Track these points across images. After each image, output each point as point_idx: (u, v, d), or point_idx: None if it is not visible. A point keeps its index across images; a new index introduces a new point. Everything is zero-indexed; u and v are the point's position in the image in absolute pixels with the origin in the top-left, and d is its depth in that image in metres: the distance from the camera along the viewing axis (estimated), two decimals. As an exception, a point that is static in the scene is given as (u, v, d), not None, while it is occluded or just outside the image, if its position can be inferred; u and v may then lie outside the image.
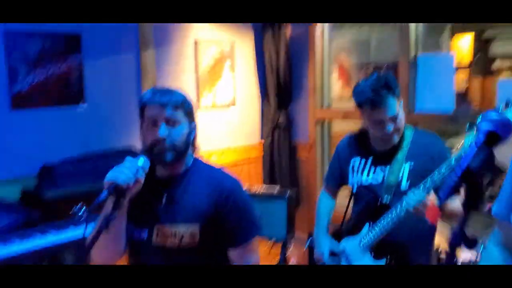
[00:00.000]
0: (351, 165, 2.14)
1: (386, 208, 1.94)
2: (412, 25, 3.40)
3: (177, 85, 3.66)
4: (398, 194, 1.96)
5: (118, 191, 1.37)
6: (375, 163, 2.06)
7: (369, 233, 2.00)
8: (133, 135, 3.46)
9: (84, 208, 2.70)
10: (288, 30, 4.07)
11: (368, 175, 2.06)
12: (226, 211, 1.56)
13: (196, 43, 3.76)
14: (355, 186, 2.12)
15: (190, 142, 1.59)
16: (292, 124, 4.23)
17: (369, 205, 2.04)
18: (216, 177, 1.62)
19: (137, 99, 3.41)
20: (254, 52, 4.21)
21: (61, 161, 3.02)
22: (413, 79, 3.42)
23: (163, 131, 1.49)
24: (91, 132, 3.27)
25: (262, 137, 4.29)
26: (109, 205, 1.41)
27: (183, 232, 1.54)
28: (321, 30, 4.02)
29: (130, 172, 1.40)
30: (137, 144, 3.42)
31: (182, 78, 3.72)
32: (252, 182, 4.19)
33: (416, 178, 1.93)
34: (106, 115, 3.33)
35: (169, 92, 1.56)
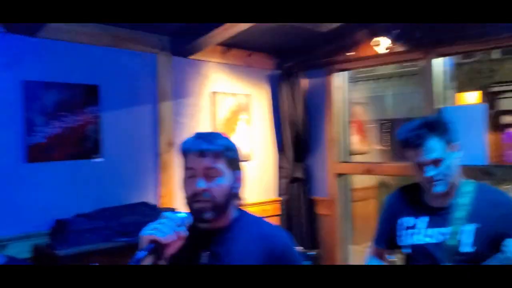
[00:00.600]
0: (403, 224, 1.92)
1: None
2: (435, 78, 3.36)
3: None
4: (460, 257, 1.76)
5: (157, 248, 1.23)
6: (431, 222, 1.85)
7: None
8: (149, 190, 3.33)
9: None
10: (305, 81, 4.04)
11: (424, 235, 1.85)
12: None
13: (213, 94, 3.71)
14: (409, 249, 1.90)
15: (233, 194, 1.45)
16: (311, 179, 4.10)
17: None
18: (267, 233, 1.44)
19: (153, 152, 3.32)
20: (271, 104, 4.16)
21: (75, 217, 2.87)
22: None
23: (201, 184, 1.36)
24: (106, 186, 3.13)
25: (279, 193, 4.15)
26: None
27: None
28: (339, 82, 3.99)
29: (170, 227, 1.27)
30: (152, 199, 3.30)
31: (198, 128, 3.64)
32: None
33: (485, 240, 1.74)
34: (122, 169, 3.21)
35: (210, 138, 1.43)
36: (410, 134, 1.79)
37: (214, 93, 3.72)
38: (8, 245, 2.63)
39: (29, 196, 2.80)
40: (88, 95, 3.06)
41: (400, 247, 1.95)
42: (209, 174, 1.37)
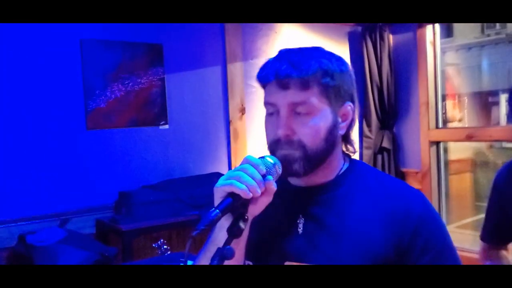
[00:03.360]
0: None
1: None
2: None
3: (268, 103, 3.18)
4: None
5: (236, 205, 0.84)
6: None
7: None
8: (220, 160, 2.98)
9: (165, 245, 2.20)
10: (390, 37, 3.51)
11: None
12: (416, 253, 0.92)
13: (287, 55, 3.29)
14: None
15: (336, 138, 1.00)
16: (400, 149, 3.59)
17: None
18: (395, 195, 0.98)
19: (223, 119, 2.96)
20: (349, 61, 3.66)
21: (140, 189, 2.58)
22: None
23: (284, 127, 0.94)
24: (173, 156, 2.82)
25: (362, 165, 3.67)
26: (219, 232, 0.89)
27: None
28: (432, 38, 3.43)
29: (254, 175, 0.86)
30: (223, 171, 2.95)
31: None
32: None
33: None
34: (189, 137, 2.89)
35: (298, 57, 0.95)
36: None
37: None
38: (70, 220, 2.38)
39: (90, 167, 2.54)
40: (151, 55, 2.75)
41: None
42: (297, 112, 0.94)
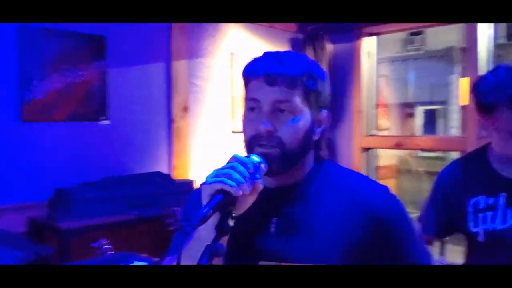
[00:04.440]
0: (471, 206, 1.50)
1: None
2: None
3: (210, 101, 3.18)
4: None
5: (225, 203, 0.85)
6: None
7: None
8: (160, 160, 2.93)
9: (106, 245, 2.13)
10: (330, 47, 3.65)
11: (504, 217, 1.45)
12: (381, 244, 0.97)
13: (231, 55, 3.31)
14: (481, 235, 1.48)
15: (311, 141, 1.02)
16: (333, 154, 3.74)
17: None
18: (361, 190, 1.01)
19: (165, 117, 2.92)
20: (292, 71, 3.76)
21: (78, 186, 2.47)
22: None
23: (266, 123, 0.96)
24: (112, 154, 2.73)
25: (298, 168, 3.78)
26: (202, 230, 0.87)
27: None
28: (368, 50, 3.61)
29: (243, 173, 0.88)
30: (166, 169, 2.91)
31: (216, 94, 3.24)
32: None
33: None
34: (130, 134, 2.81)
35: (285, 58, 0.98)
36: None
37: (233, 54, 3.32)
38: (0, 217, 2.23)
39: (23, 161, 2.39)
40: (94, 47, 2.64)
41: (468, 234, 1.52)
42: (280, 110, 0.97)
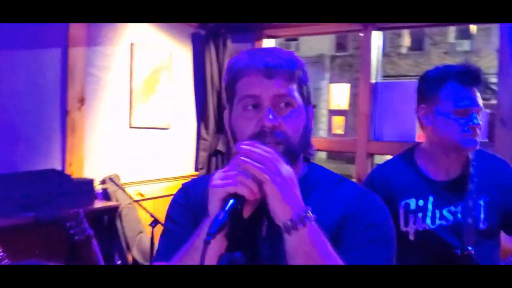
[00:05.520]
0: (402, 207, 1.57)
1: (469, 260, 1.46)
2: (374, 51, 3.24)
3: (109, 93, 2.96)
4: (480, 239, 1.50)
5: (239, 208, 0.81)
6: (440, 201, 1.54)
7: None
8: (53, 155, 2.65)
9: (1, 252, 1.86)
10: (232, 46, 3.64)
11: (435, 218, 1.54)
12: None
13: (131, 46, 3.12)
14: (412, 234, 1.56)
15: (309, 137, 1.01)
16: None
17: (440, 259, 1.50)
18: (349, 196, 1.00)
19: (59, 108, 2.65)
20: (194, 67, 3.67)
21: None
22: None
23: (271, 117, 0.91)
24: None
25: (196, 168, 3.71)
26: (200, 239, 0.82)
27: None
28: (268, 50, 3.68)
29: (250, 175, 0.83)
30: (59, 165, 2.64)
31: (115, 85, 3.02)
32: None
33: (495, 215, 1.54)
34: (18, 126, 2.48)
35: (277, 52, 0.97)
36: (464, 71, 1.49)
37: (133, 44, 3.13)
38: None
39: None
40: (-24, 24, 2.28)
41: (399, 234, 1.62)
42: (280, 104, 0.94)
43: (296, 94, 0.96)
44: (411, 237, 1.55)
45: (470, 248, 1.47)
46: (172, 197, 1.11)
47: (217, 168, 3.65)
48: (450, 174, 1.56)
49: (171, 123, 3.47)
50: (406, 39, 17.69)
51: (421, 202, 1.55)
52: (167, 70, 3.40)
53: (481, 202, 1.53)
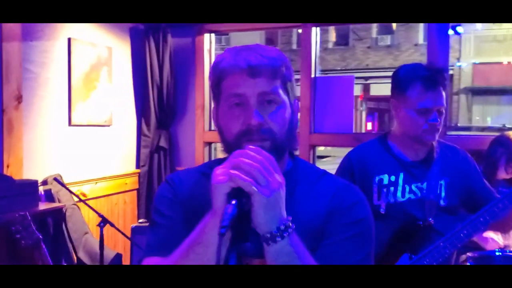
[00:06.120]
0: (375, 183, 1.75)
1: (430, 230, 1.70)
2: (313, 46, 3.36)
3: (47, 90, 2.84)
4: (439, 213, 1.74)
5: (244, 202, 0.83)
6: (408, 178, 1.75)
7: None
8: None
9: None
10: (172, 40, 3.61)
11: (405, 192, 1.75)
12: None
13: (69, 41, 3.00)
14: (383, 207, 1.75)
15: (294, 132, 1.04)
16: (175, 148, 3.72)
17: (406, 228, 1.72)
18: (333, 189, 1.03)
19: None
20: (133, 62, 3.60)
21: None
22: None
23: (257, 115, 0.94)
24: None
25: (137, 165, 3.64)
26: (207, 235, 0.86)
27: None
28: (209, 45, 3.69)
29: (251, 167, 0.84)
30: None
31: (53, 82, 2.90)
32: (128, 219, 3.50)
33: (453, 196, 1.77)
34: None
35: (260, 49, 0.98)
36: (430, 74, 1.66)
37: (71, 39, 3.01)
38: None
39: None
40: None
41: (372, 207, 1.77)
42: (266, 101, 0.97)
43: (280, 91, 0.99)
44: (382, 210, 1.74)
45: (430, 219, 1.70)
46: (156, 192, 1.09)
47: (159, 165, 3.62)
48: (419, 155, 1.78)
49: (113, 119, 3.38)
50: (332, 34, 18.31)
51: (393, 178, 1.75)
52: (107, 66, 3.31)
53: (442, 182, 1.76)
